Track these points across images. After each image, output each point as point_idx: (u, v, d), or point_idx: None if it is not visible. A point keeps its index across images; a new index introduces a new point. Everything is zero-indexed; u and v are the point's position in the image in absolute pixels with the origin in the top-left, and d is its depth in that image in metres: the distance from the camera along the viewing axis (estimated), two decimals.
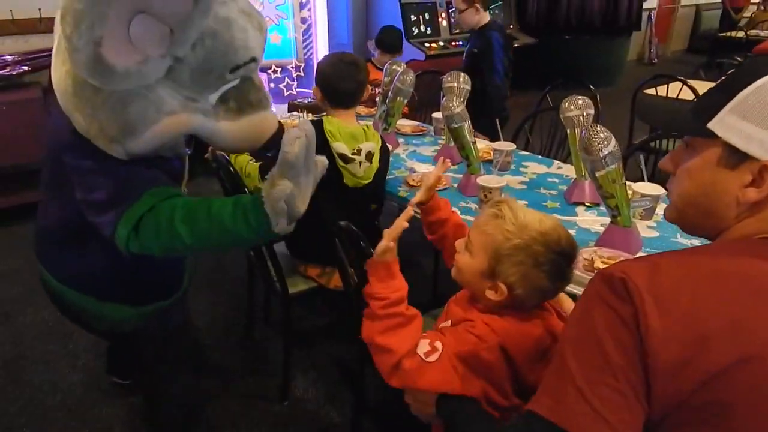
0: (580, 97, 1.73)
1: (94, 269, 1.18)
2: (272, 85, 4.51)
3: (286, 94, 4.51)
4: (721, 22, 8.12)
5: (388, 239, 0.92)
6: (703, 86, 3.32)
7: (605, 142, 1.31)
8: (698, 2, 9.56)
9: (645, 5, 6.26)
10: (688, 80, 3.22)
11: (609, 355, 0.58)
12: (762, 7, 7.08)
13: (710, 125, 0.67)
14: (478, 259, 0.94)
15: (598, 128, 1.33)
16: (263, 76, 4.42)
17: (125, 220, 1.00)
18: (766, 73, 0.64)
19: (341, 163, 1.63)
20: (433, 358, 0.88)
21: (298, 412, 1.81)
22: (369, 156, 1.66)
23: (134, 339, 1.33)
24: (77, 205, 1.06)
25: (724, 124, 0.66)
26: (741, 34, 6.68)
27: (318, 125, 1.61)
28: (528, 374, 0.92)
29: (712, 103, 0.68)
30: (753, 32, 6.62)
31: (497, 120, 2.01)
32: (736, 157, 0.65)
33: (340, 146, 1.62)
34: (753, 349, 0.55)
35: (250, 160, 1.74)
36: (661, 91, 3.27)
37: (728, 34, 6.92)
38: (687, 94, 3.11)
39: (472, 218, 1.60)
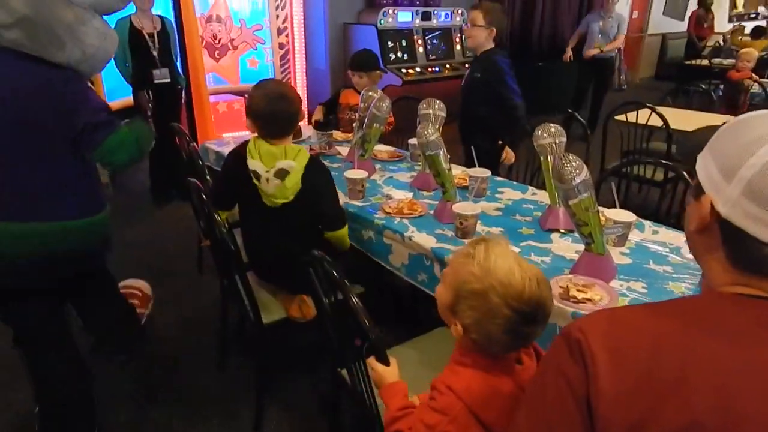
0: (552, 124, 1.76)
1: (86, 195, 1.49)
2: None
3: None
4: (686, 50, 8.44)
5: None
6: (670, 113, 3.43)
7: (577, 171, 1.32)
8: (664, 31, 9.96)
9: None
10: (656, 107, 3.31)
11: (553, 424, 0.59)
12: (740, 37, 7.39)
13: (699, 157, 0.66)
14: (446, 293, 0.93)
15: (570, 157, 1.35)
16: (241, 100, 4.42)
17: (116, 135, 1.46)
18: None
19: (255, 181, 1.66)
20: None
21: None
22: (280, 173, 1.64)
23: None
24: (66, 159, 1.42)
25: (702, 156, 0.66)
26: (705, 62, 6.94)
27: (243, 144, 1.71)
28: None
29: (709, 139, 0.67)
30: (716, 60, 6.88)
31: (472, 148, 2.02)
32: (699, 187, 0.64)
33: (254, 164, 1.65)
34: (696, 416, 0.52)
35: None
36: (631, 117, 3.36)
37: (693, 62, 7.19)
38: (656, 121, 3.20)
39: (448, 246, 1.61)
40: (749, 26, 8.41)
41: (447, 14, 5.59)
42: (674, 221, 2.18)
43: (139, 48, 3.33)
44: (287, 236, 1.73)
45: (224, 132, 4.08)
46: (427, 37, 5.41)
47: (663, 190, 3.08)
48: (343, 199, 1.96)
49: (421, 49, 5.31)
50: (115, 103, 4.13)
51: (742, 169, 0.57)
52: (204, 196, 1.65)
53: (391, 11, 5.04)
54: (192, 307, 2.49)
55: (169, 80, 3.45)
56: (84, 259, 1.54)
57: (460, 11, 5.68)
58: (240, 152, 1.71)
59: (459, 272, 0.90)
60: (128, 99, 3.73)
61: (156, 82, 3.39)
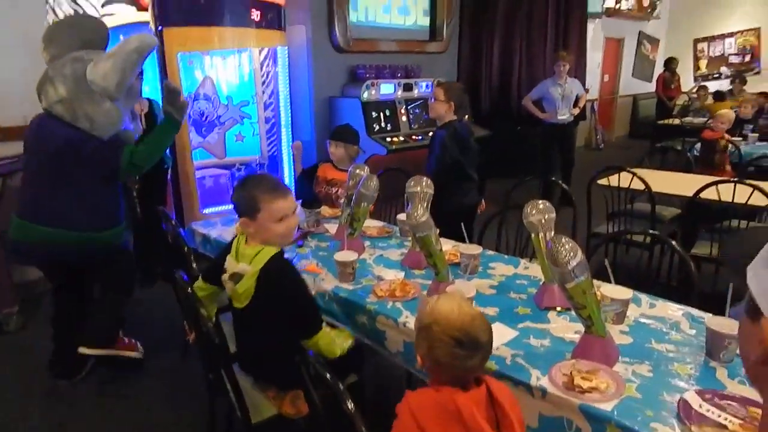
0: (540, 201, 1.77)
1: (109, 211, 2.35)
2: (236, 183, 4.51)
3: None
4: (656, 110, 8.81)
5: None
6: (650, 174, 3.51)
7: (572, 254, 1.31)
8: (634, 93, 10.44)
9: (588, 96, 6.76)
10: (636, 170, 3.39)
11: None
12: (706, 101, 7.72)
13: (748, 268, 0.59)
14: (414, 334, 1.18)
15: (563, 239, 1.34)
16: (227, 173, 4.44)
17: (127, 156, 2.26)
18: None
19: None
20: None
21: None
22: (234, 277, 1.56)
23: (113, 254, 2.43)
24: (89, 181, 2.24)
25: (753, 269, 0.59)
26: (677, 121, 7.23)
27: (234, 239, 1.67)
28: None
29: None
30: (687, 119, 7.17)
31: (462, 225, 2.02)
32: (755, 308, 0.57)
33: (228, 260, 1.61)
34: None
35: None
36: (613, 180, 3.43)
37: (665, 121, 7.48)
38: (637, 183, 3.26)
39: None
40: (712, 86, 8.87)
41: (427, 84, 5.79)
42: (663, 288, 2.16)
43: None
44: (261, 337, 1.64)
45: (211, 205, 4.06)
46: (409, 107, 5.57)
47: (651, 254, 3.09)
48: (333, 282, 1.92)
49: (404, 119, 5.46)
50: None
51: None
52: (190, 290, 1.60)
53: (373, 84, 5.21)
54: (180, 396, 2.37)
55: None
56: (92, 255, 2.34)
57: (440, 81, 5.90)
58: (232, 242, 1.68)
59: (419, 315, 1.18)
60: None
61: None
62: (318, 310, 1.67)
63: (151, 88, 3.81)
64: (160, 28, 3.56)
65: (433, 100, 3.01)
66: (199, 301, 1.62)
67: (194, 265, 2.12)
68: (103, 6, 4.10)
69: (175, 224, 2.29)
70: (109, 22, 4.11)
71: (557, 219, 1.75)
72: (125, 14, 4.22)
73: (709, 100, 7.45)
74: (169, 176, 3.78)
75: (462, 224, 2.02)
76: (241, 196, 1.58)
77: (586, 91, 6.15)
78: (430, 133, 5.49)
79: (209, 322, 1.56)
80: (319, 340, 1.58)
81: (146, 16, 3.77)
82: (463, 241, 2.03)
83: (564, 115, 5.44)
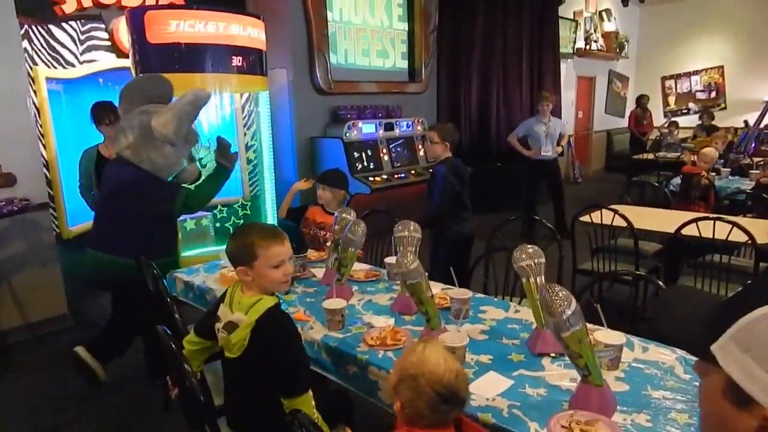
0: (529, 246, 1.77)
1: (160, 244, 2.63)
2: (218, 224, 4.45)
3: (232, 232, 4.45)
4: (630, 145, 9.07)
5: None
6: (629, 211, 3.57)
7: (566, 303, 1.30)
8: (608, 128, 10.76)
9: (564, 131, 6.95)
10: (618, 207, 3.45)
11: None
12: (697, 137, 7.98)
13: (713, 348, 0.57)
14: (393, 376, 1.19)
15: (557, 288, 1.33)
16: (209, 215, 4.38)
17: (181, 199, 2.58)
18: None
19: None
20: None
21: None
22: (228, 326, 1.52)
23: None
24: (145, 215, 2.53)
25: (726, 351, 0.56)
26: (651, 155, 7.43)
27: (229, 288, 1.64)
28: None
29: (721, 320, 0.57)
30: (660, 154, 7.38)
31: (451, 268, 2.00)
32: (740, 394, 0.55)
33: (222, 309, 1.57)
34: None
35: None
36: (595, 217, 3.47)
37: (640, 156, 7.69)
38: (620, 221, 3.30)
39: None
40: (682, 121, 9.20)
41: (408, 124, 5.89)
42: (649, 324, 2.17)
43: None
44: (252, 390, 1.58)
45: (192, 248, 3.99)
46: (391, 146, 5.63)
47: (636, 289, 3.11)
48: (322, 331, 1.88)
49: (386, 158, 5.51)
50: (77, 228, 4.03)
51: None
52: (173, 345, 1.54)
53: (355, 124, 5.27)
54: None
55: None
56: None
57: (420, 120, 6.00)
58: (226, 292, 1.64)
59: (403, 361, 1.18)
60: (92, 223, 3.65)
61: None
62: (308, 371, 1.61)
63: None
64: (140, 74, 3.56)
65: (428, 143, 3.28)
66: (183, 357, 1.56)
67: (177, 315, 2.05)
68: (82, 54, 4.10)
69: (157, 273, 2.23)
70: (90, 69, 4.14)
71: (546, 255, 1.75)
72: (106, 61, 4.23)
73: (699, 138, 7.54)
74: None
75: (451, 268, 2.00)
76: (237, 245, 1.55)
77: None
78: (413, 171, 5.60)
79: (193, 378, 1.49)
80: (302, 404, 1.49)
81: (127, 62, 3.78)
82: (465, 265, 2.01)
83: (548, 152, 5.59)
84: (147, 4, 4.28)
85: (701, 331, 0.59)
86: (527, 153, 5.66)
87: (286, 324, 1.54)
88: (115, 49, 4.23)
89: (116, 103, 3.37)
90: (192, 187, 2.80)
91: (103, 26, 4.18)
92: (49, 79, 3.84)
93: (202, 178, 3.00)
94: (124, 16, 3.80)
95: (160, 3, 4.34)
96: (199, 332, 1.72)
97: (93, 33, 4.14)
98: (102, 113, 3.27)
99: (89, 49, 4.13)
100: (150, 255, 2.37)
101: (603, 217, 3.42)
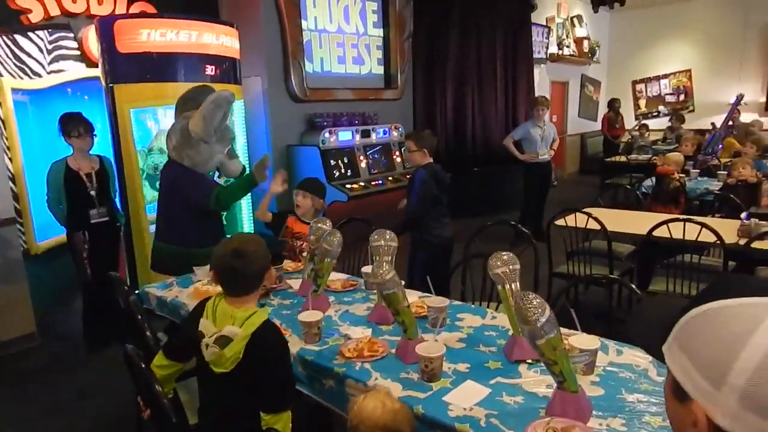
0: (504, 253, 1.78)
1: (209, 233, 2.83)
2: None
3: None
4: (603, 148, 9.24)
5: None
6: (603, 214, 3.62)
7: (540, 310, 1.31)
8: (582, 131, 10.94)
9: None
10: (591, 211, 3.50)
11: None
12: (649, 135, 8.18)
13: (663, 349, 0.62)
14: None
15: (530, 296, 1.34)
16: None
17: (214, 196, 2.81)
18: (719, 298, 0.58)
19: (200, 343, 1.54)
20: None
21: None
22: (220, 341, 1.49)
23: None
24: (184, 207, 2.86)
25: (671, 350, 0.61)
26: (623, 158, 7.58)
27: (206, 299, 1.62)
28: None
29: (675, 322, 0.62)
30: (632, 156, 7.53)
31: (428, 278, 2.00)
32: (681, 391, 0.58)
33: (204, 324, 1.54)
34: None
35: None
36: (570, 220, 3.51)
37: (613, 159, 7.83)
38: (594, 224, 3.36)
39: (414, 393, 1.51)
40: (652, 124, 9.43)
41: (385, 131, 5.88)
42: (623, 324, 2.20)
43: (76, 189, 3.23)
44: (231, 409, 1.55)
45: None
46: (368, 153, 5.62)
47: (611, 292, 3.16)
48: (299, 344, 1.85)
49: (363, 165, 5.49)
50: (45, 243, 3.93)
51: (731, 376, 0.53)
52: (143, 365, 1.50)
53: (331, 131, 5.25)
54: None
55: (107, 219, 3.35)
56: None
57: (397, 126, 6.00)
58: (202, 307, 1.61)
59: (349, 413, 1.28)
60: (61, 236, 3.56)
61: (93, 221, 3.27)
62: (293, 388, 1.61)
63: (102, 144, 3.70)
64: (110, 84, 3.49)
65: (407, 153, 3.37)
66: (154, 377, 1.52)
67: (148, 333, 2.01)
68: (50, 63, 4.01)
69: (128, 290, 2.17)
70: (58, 79, 4.04)
71: (522, 258, 1.77)
72: (75, 70, 4.15)
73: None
74: (122, 234, 3.63)
75: (428, 277, 2.00)
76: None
77: None
78: (390, 178, 5.60)
79: (165, 400, 1.46)
80: (281, 420, 1.49)
81: (98, 71, 3.71)
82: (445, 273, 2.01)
83: (544, 155, 5.71)
84: (117, 13, 4.21)
85: (663, 334, 0.64)
86: (522, 157, 5.76)
87: (280, 337, 1.58)
88: (85, 58, 4.14)
89: (85, 115, 3.32)
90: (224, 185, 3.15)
91: (71, 35, 4.09)
92: (14, 90, 3.74)
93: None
94: (93, 25, 3.73)
95: (130, 12, 4.27)
96: (171, 355, 1.68)
97: (61, 42, 4.05)
98: (70, 125, 3.20)
99: (57, 58, 4.03)
100: (198, 244, 2.74)
101: (577, 220, 3.47)
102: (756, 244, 2.89)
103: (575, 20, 10.28)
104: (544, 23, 9.19)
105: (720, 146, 6.39)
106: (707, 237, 2.95)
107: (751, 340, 0.53)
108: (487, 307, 2.41)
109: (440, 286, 2.41)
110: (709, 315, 0.58)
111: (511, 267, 1.75)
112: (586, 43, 10.38)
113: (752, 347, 0.53)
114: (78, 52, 4.13)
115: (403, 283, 1.74)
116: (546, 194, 5.95)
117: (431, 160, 3.27)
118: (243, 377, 1.50)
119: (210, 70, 3.68)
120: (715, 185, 4.74)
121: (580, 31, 10.37)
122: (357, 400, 1.29)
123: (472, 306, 2.22)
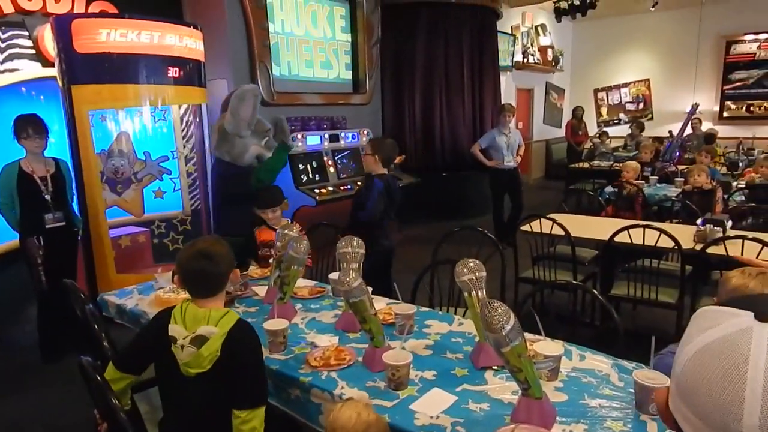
0: (470, 260, 1.78)
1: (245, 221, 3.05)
2: (156, 241, 4.26)
3: (171, 249, 4.27)
4: (567, 154, 9.46)
5: None
6: (567, 219, 3.70)
7: (505, 318, 1.31)
8: (547, 138, 11.18)
9: None
10: (555, 216, 3.57)
11: None
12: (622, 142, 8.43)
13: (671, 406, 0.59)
14: None
15: (496, 304, 1.34)
16: (146, 231, 4.19)
17: (253, 175, 3.33)
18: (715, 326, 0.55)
19: (173, 346, 1.51)
20: None
21: None
22: (197, 340, 1.48)
23: None
24: (234, 194, 3.30)
25: (674, 402, 0.58)
26: (586, 164, 7.78)
27: (172, 306, 1.58)
28: None
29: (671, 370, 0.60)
30: (595, 162, 7.74)
31: (395, 284, 2.00)
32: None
33: (174, 329, 1.51)
34: None
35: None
36: (535, 226, 3.57)
37: (576, 165, 8.02)
38: (558, 230, 3.42)
39: (381, 402, 1.50)
40: (612, 131, 9.72)
41: (353, 135, 5.88)
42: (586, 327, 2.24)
43: (30, 193, 3.10)
44: (203, 414, 1.53)
45: (127, 269, 3.78)
46: (336, 158, 5.60)
47: (575, 297, 3.22)
48: (264, 353, 1.81)
49: (332, 169, 5.47)
50: None
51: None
52: (99, 377, 1.44)
53: (300, 136, 5.20)
54: None
55: (63, 224, 3.22)
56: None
57: (365, 131, 6.00)
58: (165, 315, 1.56)
59: (326, 421, 1.31)
60: (15, 242, 3.40)
61: (48, 226, 3.14)
62: (267, 384, 1.61)
63: (58, 146, 3.57)
64: (68, 85, 3.37)
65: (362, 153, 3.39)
66: (110, 390, 1.47)
67: (105, 342, 1.93)
68: (3, 62, 3.84)
69: (84, 299, 2.09)
70: (12, 78, 3.88)
71: (490, 263, 1.79)
72: (30, 70, 3.99)
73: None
74: (79, 239, 3.50)
75: (395, 284, 2.00)
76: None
77: None
78: (359, 183, 5.57)
79: (121, 413, 1.40)
80: (257, 417, 1.49)
81: (54, 71, 3.57)
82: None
83: (510, 162, 5.79)
84: (75, 11, 4.07)
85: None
86: (489, 163, 5.83)
87: (254, 334, 1.58)
88: (41, 57, 3.99)
89: (41, 116, 3.19)
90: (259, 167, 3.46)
91: (26, 33, 3.93)
92: None
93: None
94: (49, 24, 3.59)
95: (89, 11, 4.14)
96: (122, 367, 1.62)
97: (15, 41, 3.89)
98: (22, 126, 3.07)
99: (11, 57, 3.87)
100: (234, 231, 2.95)
101: (542, 226, 3.53)
102: (711, 249, 3.00)
103: (539, 29, 10.52)
104: (510, 32, 9.36)
105: (677, 153, 6.62)
106: (666, 242, 3.04)
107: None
108: (455, 312, 2.42)
109: (384, 291, 2.52)
110: (700, 365, 0.55)
111: (477, 274, 1.76)
112: (550, 51, 10.63)
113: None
114: (33, 51, 3.97)
115: (370, 290, 1.73)
116: (519, 198, 6.00)
117: (384, 171, 3.27)
118: (221, 374, 1.49)
119: (173, 72, 3.60)
120: (672, 191, 4.91)
121: (544, 40, 10.61)
122: (334, 408, 1.30)
123: (440, 312, 2.23)
